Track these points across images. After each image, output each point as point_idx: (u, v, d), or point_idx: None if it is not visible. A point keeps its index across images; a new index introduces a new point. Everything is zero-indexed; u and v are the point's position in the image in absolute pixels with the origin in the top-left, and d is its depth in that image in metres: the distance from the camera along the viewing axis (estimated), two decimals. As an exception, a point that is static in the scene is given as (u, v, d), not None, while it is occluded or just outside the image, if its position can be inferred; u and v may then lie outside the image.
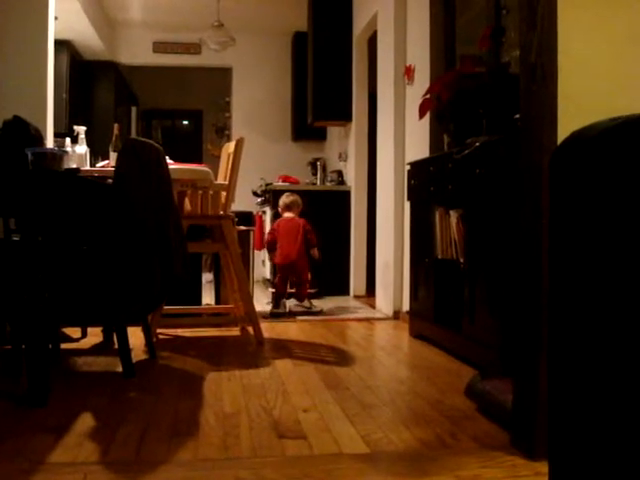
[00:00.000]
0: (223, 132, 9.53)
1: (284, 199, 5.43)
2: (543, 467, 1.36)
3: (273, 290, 5.56)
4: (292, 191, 5.74)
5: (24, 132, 3.42)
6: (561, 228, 1.00)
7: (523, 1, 1.99)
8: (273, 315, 5.02)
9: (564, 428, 1.06)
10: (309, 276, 5.29)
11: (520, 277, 2.04)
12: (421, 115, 3.85)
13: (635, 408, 0.89)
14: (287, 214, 5.34)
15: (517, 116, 2.48)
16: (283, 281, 5.18)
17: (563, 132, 1.81)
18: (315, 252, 5.27)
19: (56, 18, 5.08)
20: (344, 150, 6.93)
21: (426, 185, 3.74)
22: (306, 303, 5.22)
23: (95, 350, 3.59)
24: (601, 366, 0.94)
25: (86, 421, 2.29)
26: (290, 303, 5.21)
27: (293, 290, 5.26)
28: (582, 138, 0.96)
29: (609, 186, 0.88)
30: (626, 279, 0.88)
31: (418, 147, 4.48)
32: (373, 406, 2.52)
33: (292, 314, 5.07)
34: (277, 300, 5.19)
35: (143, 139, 3.20)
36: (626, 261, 0.88)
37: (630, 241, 0.87)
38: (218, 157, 4.50)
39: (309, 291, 5.36)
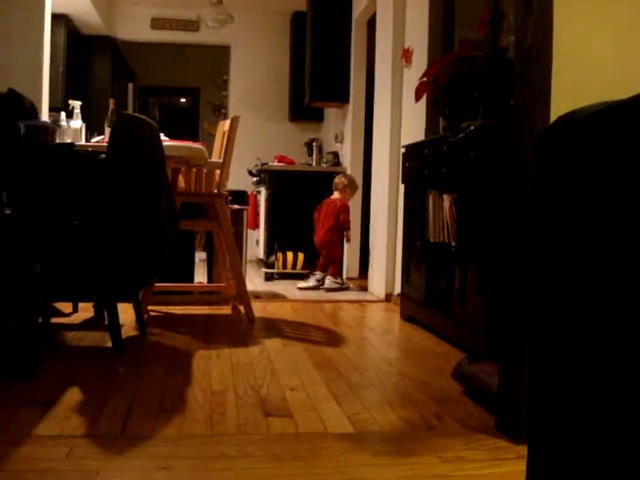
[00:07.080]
0: (220, 111, 9.48)
1: (334, 180, 5.75)
2: (526, 450, 1.37)
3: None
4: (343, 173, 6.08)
5: (18, 105, 3.40)
6: (545, 211, 1.00)
7: (520, -17, 1.98)
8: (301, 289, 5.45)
9: (543, 411, 1.07)
10: (338, 256, 5.64)
11: (508, 262, 2.04)
12: (417, 98, 3.83)
13: (612, 393, 0.89)
14: (334, 195, 5.70)
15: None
16: (322, 259, 5.61)
17: (556, 117, 1.80)
18: (348, 234, 5.68)
19: (53, -9, 5.04)
20: (340, 131, 6.91)
21: (420, 168, 3.74)
22: (339, 280, 5.52)
23: (86, 325, 3.59)
24: (580, 353, 0.94)
25: (74, 395, 2.29)
26: (327, 280, 5.51)
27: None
28: (570, 121, 0.96)
29: (594, 169, 0.88)
30: (608, 264, 0.89)
31: (414, 130, 4.46)
32: (360, 387, 2.53)
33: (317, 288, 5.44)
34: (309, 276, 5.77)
35: (137, 114, 3.18)
36: (608, 244, 0.88)
37: (614, 224, 0.87)
38: (215, 136, 4.48)
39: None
